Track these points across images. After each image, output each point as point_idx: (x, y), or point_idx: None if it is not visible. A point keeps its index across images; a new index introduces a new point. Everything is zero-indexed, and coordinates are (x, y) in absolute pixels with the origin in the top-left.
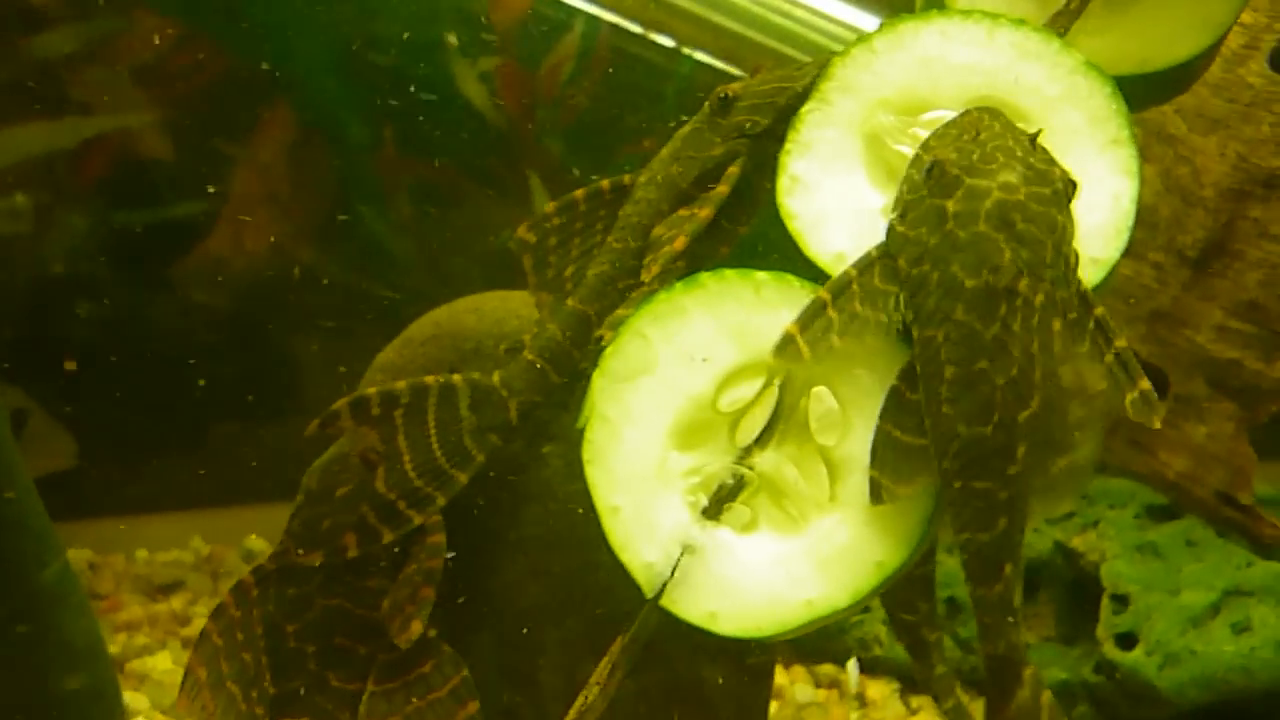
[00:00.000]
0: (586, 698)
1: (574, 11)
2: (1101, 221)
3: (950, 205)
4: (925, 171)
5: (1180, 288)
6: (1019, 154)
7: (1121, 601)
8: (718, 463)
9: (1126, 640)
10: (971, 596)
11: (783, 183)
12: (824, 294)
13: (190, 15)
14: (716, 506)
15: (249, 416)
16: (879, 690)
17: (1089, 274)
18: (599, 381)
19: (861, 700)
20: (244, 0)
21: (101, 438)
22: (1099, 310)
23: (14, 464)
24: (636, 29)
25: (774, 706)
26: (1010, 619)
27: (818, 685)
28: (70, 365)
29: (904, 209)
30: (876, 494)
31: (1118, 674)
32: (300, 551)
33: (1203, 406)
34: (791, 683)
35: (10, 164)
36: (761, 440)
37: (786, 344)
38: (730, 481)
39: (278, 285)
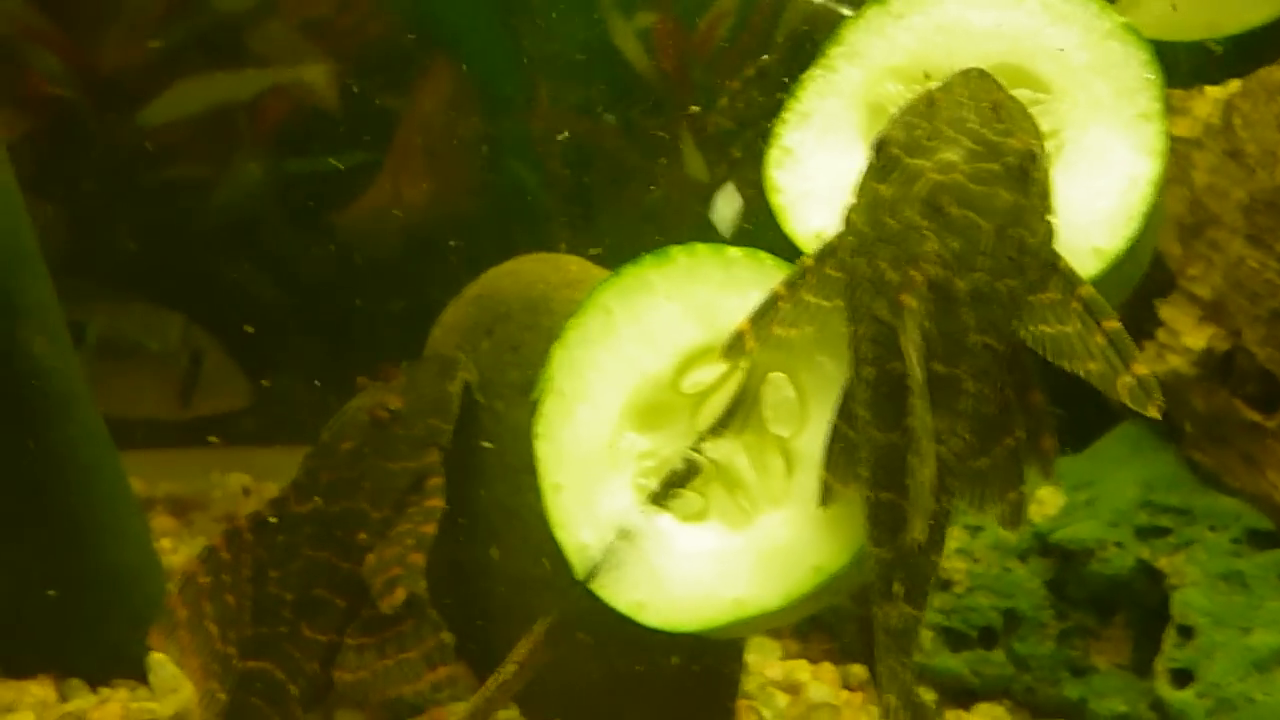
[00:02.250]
0: (500, 676)
1: None
2: (1111, 207)
3: (884, 190)
4: (872, 151)
5: None
6: (971, 125)
7: (1186, 634)
8: (674, 446)
9: (1182, 677)
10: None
11: (773, 154)
12: (779, 287)
13: None
14: (664, 492)
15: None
16: None
17: (1088, 265)
18: (557, 353)
19: None
20: None
21: (270, 373)
22: (1084, 290)
23: (75, 394)
24: None
25: (784, 701)
26: (903, 655)
27: (845, 686)
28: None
29: (857, 193)
30: (826, 495)
31: (1169, 714)
32: (298, 501)
33: None
34: (814, 678)
35: (194, 112)
36: (721, 426)
37: (736, 341)
38: (681, 467)
39: (435, 233)
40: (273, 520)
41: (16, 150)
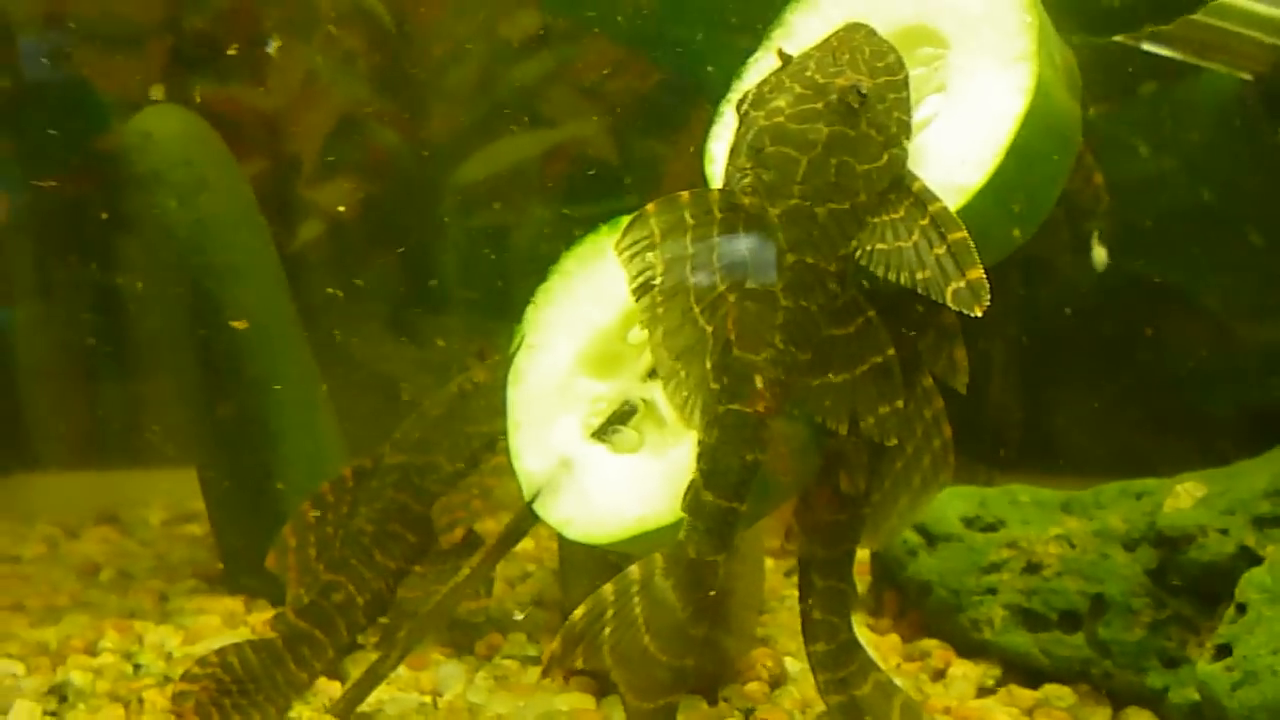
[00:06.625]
0: (456, 583)
1: None
2: (975, 146)
3: (732, 142)
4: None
5: None
6: (808, 73)
7: (1241, 611)
8: (621, 390)
9: (1222, 652)
10: None
11: (714, 129)
12: None
13: (628, 38)
14: (605, 429)
15: None
16: (965, 670)
17: (951, 201)
18: (530, 312)
19: (939, 675)
20: (669, 26)
21: None
22: (934, 206)
23: (277, 366)
24: None
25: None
26: (696, 534)
27: (908, 659)
28: None
29: None
30: None
31: (1203, 690)
32: (392, 455)
33: None
34: (874, 648)
35: (499, 170)
36: (653, 370)
37: (645, 289)
38: (620, 408)
39: None
40: (370, 470)
41: (361, 209)
